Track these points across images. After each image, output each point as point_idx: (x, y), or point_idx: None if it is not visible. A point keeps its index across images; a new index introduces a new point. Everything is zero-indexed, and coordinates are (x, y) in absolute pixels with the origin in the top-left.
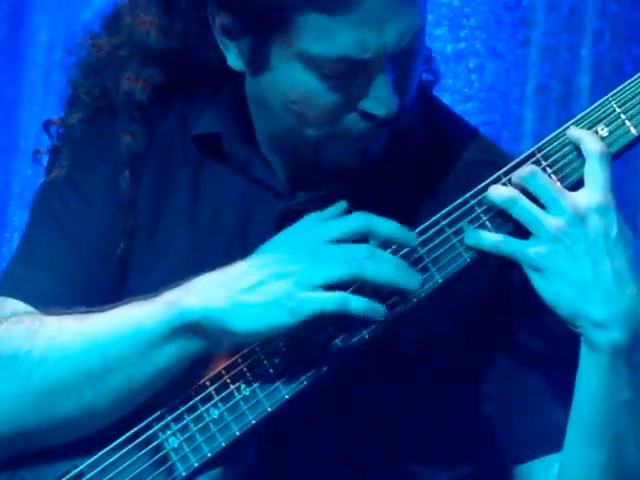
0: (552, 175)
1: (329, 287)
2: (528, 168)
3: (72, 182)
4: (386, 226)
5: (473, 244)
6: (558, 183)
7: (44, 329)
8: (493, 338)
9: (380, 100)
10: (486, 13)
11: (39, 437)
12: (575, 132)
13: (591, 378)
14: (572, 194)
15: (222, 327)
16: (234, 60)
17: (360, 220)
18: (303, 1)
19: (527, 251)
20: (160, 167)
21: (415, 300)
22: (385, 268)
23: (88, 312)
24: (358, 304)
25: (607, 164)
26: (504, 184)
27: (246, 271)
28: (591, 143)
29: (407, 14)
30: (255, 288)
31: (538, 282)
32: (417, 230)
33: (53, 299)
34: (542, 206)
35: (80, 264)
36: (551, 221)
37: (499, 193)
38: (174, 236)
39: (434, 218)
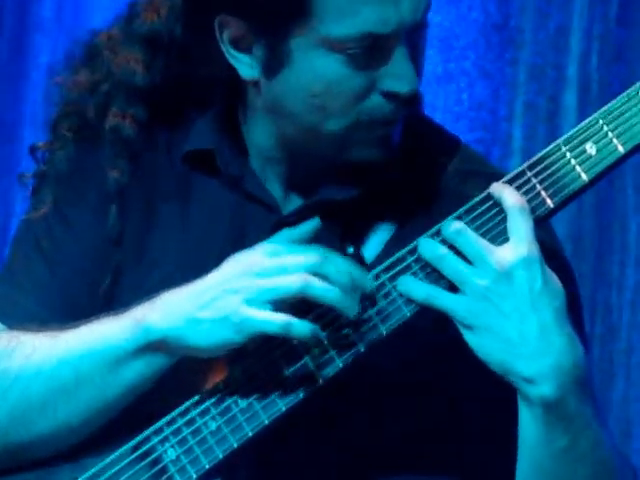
0: (542, 191)
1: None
2: (454, 225)
3: (54, 203)
4: (339, 264)
5: (405, 292)
6: (483, 240)
7: (21, 347)
8: (444, 382)
9: (402, 76)
10: (475, 34)
11: (19, 452)
12: (497, 188)
13: (528, 428)
14: (497, 249)
15: (182, 344)
16: (247, 71)
17: (318, 251)
18: None
19: (457, 308)
20: (147, 192)
21: (385, 332)
22: (327, 289)
23: (63, 329)
24: (300, 328)
25: (527, 216)
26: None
27: (207, 287)
28: (509, 198)
29: None
30: (209, 304)
31: (469, 338)
32: (384, 265)
33: (30, 319)
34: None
35: (57, 285)
36: (478, 279)
37: (428, 249)
38: (165, 250)
39: (401, 252)
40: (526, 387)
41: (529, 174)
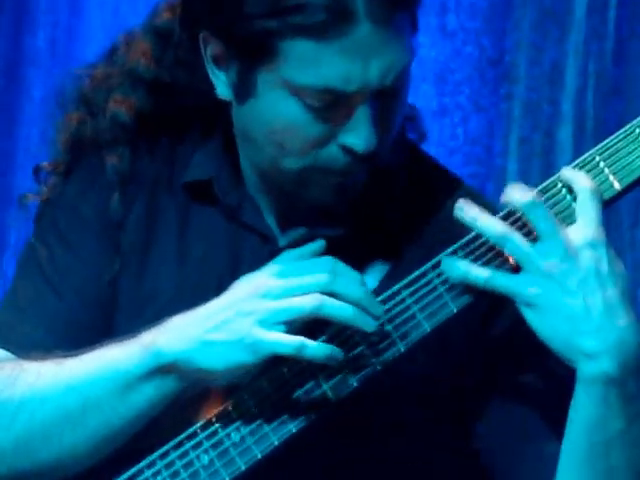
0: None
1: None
2: (530, 196)
3: (57, 230)
4: (351, 273)
5: (460, 278)
6: (554, 217)
7: (24, 375)
8: (484, 377)
9: (360, 135)
10: (470, 68)
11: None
12: (567, 173)
13: (583, 409)
14: (565, 230)
15: (193, 367)
16: (223, 89)
17: (327, 263)
18: (289, 28)
19: (519, 287)
20: (147, 206)
21: (403, 349)
22: (341, 307)
23: (68, 356)
24: (314, 350)
25: (598, 200)
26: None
27: (217, 310)
28: (582, 180)
29: (393, 50)
30: (221, 326)
31: (531, 317)
32: (405, 280)
33: (36, 347)
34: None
35: (63, 313)
36: (543, 257)
37: (493, 228)
38: (163, 279)
39: (423, 269)
40: (587, 363)
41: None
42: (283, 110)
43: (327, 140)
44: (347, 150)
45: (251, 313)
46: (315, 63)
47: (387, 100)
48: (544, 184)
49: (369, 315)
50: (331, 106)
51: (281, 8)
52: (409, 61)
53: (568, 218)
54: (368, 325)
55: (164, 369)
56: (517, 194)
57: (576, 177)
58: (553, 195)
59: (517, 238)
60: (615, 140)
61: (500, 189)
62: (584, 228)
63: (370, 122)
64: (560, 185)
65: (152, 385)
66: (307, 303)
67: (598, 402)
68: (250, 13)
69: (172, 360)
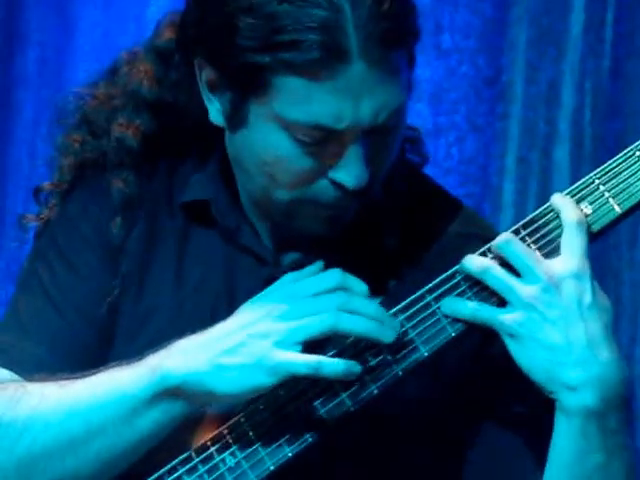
0: (536, 251)
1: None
2: (503, 236)
3: (58, 248)
4: (360, 285)
5: (450, 313)
6: (535, 251)
7: (27, 397)
8: (475, 405)
9: (350, 172)
10: (466, 88)
11: None
12: (558, 200)
13: (564, 441)
14: (547, 261)
15: (203, 390)
16: (215, 115)
17: (335, 277)
18: (282, 64)
19: (502, 318)
20: (147, 228)
21: (401, 373)
22: (359, 320)
23: (71, 378)
24: (332, 367)
25: (583, 232)
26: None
27: (227, 333)
28: (569, 211)
29: (386, 90)
30: (235, 350)
31: (513, 348)
32: (402, 304)
33: (39, 366)
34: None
35: (66, 331)
36: (525, 289)
37: (472, 263)
38: (160, 301)
39: (419, 292)
40: (568, 396)
41: (523, 233)
42: (274, 143)
43: (318, 175)
44: (337, 185)
45: (267, 335)
46: (306, 100)
47: (380, 137)
48: (540, 209)
49: (386, 327)
50: (322, 142)
51: (275, 43)
52: (404, 99)
53: (554, 251)
54: (386, 336)
55: (171, 392)
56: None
57: (564, 206)
58: (549, 221)
59: (497, 270)
60: (615, 163)
61: (496, 209)
62: (568, 259)
63: (361, 160)
64: (548, 218)
65: (158, 409)
66: (324, 320)
67: (578, 435)
68: (243, 45)
69: (179, 383)
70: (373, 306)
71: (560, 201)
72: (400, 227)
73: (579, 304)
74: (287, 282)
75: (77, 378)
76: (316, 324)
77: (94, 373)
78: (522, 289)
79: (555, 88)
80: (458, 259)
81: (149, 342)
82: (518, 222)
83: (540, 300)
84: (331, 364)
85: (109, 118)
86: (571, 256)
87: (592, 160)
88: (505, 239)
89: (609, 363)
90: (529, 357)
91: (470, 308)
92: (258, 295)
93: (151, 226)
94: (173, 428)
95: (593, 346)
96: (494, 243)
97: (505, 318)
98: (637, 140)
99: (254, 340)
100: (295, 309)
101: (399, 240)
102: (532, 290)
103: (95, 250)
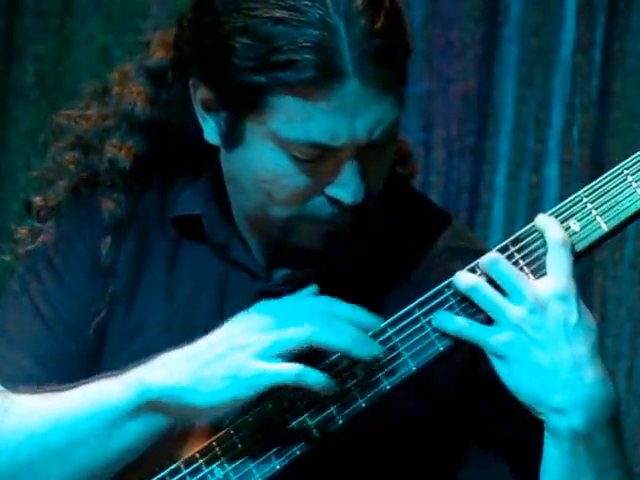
0: (525, 267)
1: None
2: (490, 255)
3: (50, 264)
4: (348, 311)
5: (438, 327)
6: (521, 271)
7: (12, 408)
8: (463, 424)
9: (347, 187)
10: (456, 105)
11: None
12: (542, 220)
13: (553, 463)
14: (534, 282)
15: (183, 403)
16: (211, 133)
17: (322, 304)
18: (278, 84)
19: (489, 338)
20: (138, 244)
21: (389, 387)
22: (340, 336)
23: (56, 390)
24: (315, 377)
25: (568, 252)
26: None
27: (208, 346)
28: (554, 232)
29: (380, 106)
30: (214, 362)
31: (500, 368)
32: (391, 319)
33: (25, 378)
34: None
35: (54, 346)
36: (512, 309)
37: (462, 280)
38: (149, 316)
39: (409, 307)
40: (555, 418)
41: (512, 249)
42: (271, 161)
43: (314, 191)
44: (334, 201)
45: (246, 346)
46: (302, 119)
47: (375, 152)
48: (525, 228)
49: (367, 344)
50: (318, 159)
51: (271, 63)
52: (399, 115)
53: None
54: (366, 354)
55: (152, 405)
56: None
57: (548, 226)
58: (534, 240)
59: (486, 289)
60: (603, 181)
61: (486, 226)
62: (554, 280)
63: (357, 176)
64: (536, 235)
65: (140, 421)
66: (303, 332)
67: (567, 456)
68: (239, 66)
69: (159, 396)
70: (353, 328)
71: (544, 221)
72: (389, 239)
73: (565, 326)
74: (274, 302)
75: (62, 390)
76: (295, 336)
77: (79, 385)
78: (509, 310)
79: (545, 107)
80: (447, 273)
81: (137, 357)
82: (507, 239)
83: (527, 322)
84: (315, 373)
85: (102, 138)
86: (557, 277)
87: (581, 178)
88: (492, 259)
89: (595, 384)
90: (516, 379)
91: (457, 325)
92: (246, 310)
93: (142, 242)
94: (156, 440)
95: (579, 368)
96: (481, 263)
97: (492, 338)
98: (625, 159)
99: (233, 352)
100: (277, 322)
101: (388, 253)
102: (519, 311)
103: (86, 267)
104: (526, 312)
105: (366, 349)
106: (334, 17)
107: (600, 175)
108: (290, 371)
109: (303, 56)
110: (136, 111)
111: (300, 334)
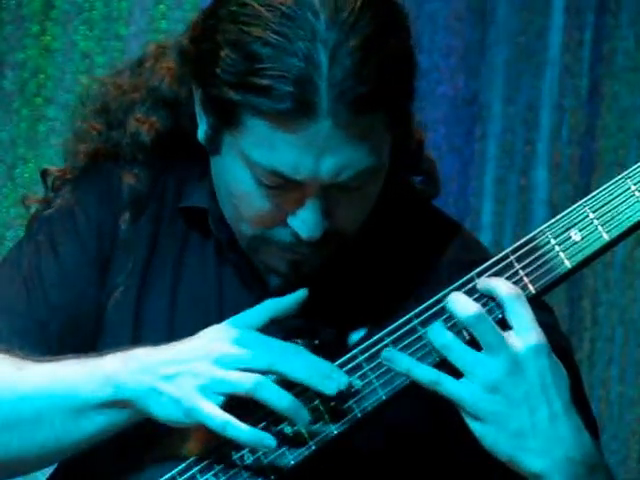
0: (524, 277)
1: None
2: (474, 308)
3: (50, 236)
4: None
5: (408, 374)
6: (520, 281)
7: None
8: (436, 457)
9: (305, 222)
10: (444, 108)
11: None
12: (484, 282)
13: None
14: (509, 338)
15: (145, 410)
16: (201, 134)
17: (283, 347)
18: (252, 106)
19: (465, 396)
20: (151, 232)
21: (359, 415)
22: (281, 396)
23: (33, 360)
24: (238, 433)
25: (525, 303)
26: (469, 292)
27: (172, 358)
28: (503, 288)
29: (353, 150)
30: (170, 379)
31: (475, 427)
32: (361, 346)
33: (2, 343)
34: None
35: (33, 317)
36: (488, 369)
37: (436, 335)
38: (155, 309)
39: (379, 335)
40: None
41: (512, 257)
42: (239, 178)
43: (277, 217)
44: (294, 232)
45: (197, 376)
46: (269, 145)
47: (344, 194)
48: (526, 237)
49: (304, 410)
50: (282, 188)
51: (248, 84)
52: (376, 162)
53: (544, 276)
54: (301, 419)
55: (120, 404)
56: (461, 306)
57: (496, 286)
58: (534, 249)
59: (460, 347)
60: (605, 191)
61: (475, 230)
62: (524, 336)
63: (317, 213)
64: (536, 244)
65: (105, 416)
66: (245, 382)
67: None
68: (222, 78)
69: (127, 397)
70: (307, 373)
71: (491, 283)
72: (397, 253)
73: (541, 383)
74: (256, 313)
75: (38, 362)
76: (236, 383)
77: (54, 361)
78: (486, 370)
79: (533, 108)
80: (455, 282)
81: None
82: (496, 243)
83: (504, 382)
84: (236, 428)
85: (127, 110)
86: (525, 331)
87: (570, 181)
88: (477, 313)
89: (571, 442)
90: (492, 439)
91: (429, 375)
92: (228, 320)
93: (155, 228)
94: (119, 431)
95: (555, 427)
96: (462, 315)
97: (469, 398)
98: (613, 161)
99: (186, 377)
100: (233, 358)
101: (396, 266)
102: (497, 372)
103: (84, 243)
104: (503, 373)
105: (301, 415)
106: (320, 52)
107: (589, 178)
108: (217, 419)
109: (280, 86)
110: (163, 87)
111: (242, 383)
